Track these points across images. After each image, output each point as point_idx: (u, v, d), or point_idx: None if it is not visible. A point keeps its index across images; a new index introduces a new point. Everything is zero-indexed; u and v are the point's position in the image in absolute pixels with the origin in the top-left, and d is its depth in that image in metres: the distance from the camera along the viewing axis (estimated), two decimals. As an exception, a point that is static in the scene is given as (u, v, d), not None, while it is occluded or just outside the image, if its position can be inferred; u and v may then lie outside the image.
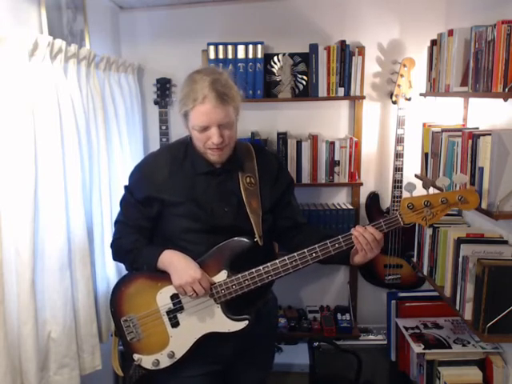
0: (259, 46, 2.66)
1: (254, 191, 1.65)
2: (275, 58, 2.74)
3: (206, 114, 1.49)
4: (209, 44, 2.66)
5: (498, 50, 1.71)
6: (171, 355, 1.60)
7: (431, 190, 1.56)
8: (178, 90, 2.69)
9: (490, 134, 1.73)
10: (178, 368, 1.63)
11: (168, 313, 1.62)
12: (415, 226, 2.39)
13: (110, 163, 2.18)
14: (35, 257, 1.59)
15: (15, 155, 1.51)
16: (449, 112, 2.55)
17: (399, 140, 2.67)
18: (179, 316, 1.62)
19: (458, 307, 1.94)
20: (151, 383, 1.81)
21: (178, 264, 1.57)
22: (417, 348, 2.18)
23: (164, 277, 1.59)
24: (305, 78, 2.74)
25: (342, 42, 2.67)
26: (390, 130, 2.85)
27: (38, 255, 1.65)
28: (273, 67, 2.74)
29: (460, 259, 1.91)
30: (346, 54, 2.66)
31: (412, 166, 2.62)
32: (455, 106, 2.46)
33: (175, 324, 1.62)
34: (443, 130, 2.14)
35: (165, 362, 1.62)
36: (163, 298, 1.62)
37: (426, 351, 2.17)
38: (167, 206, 1.61)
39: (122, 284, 1.67)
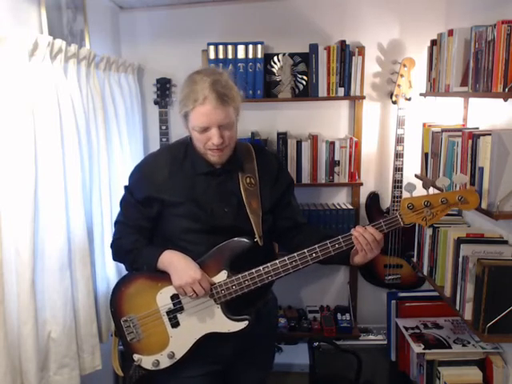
0: (259, 46, 2.66)
1: (254, 191, 1.65)
2: (275, 58, 2.74)
3: (207, 115, 1.49)
4: (209, 44, 2.66)
5: (498, 49, 1.71)
6: (171, 355, 1.60)
7: (431, 191, 1.56)
8: (177, 90, 2.69)
9: (490, 134, 1.73)
10: (177, 368, 1.63)
11: (168, 313, 1.62)
12: (415, 226, 2.39)
13: (110, 163, 2.18)
14: (35, 257, 1.59)
15: (15, 155, 1.51)
16: (449, 112, 2.55)
17: (399, 140, 2.67)
18: (179, 316, 1.62)
19: (458, 307, 1.94)
20: (151, 383, 1.81)
21: (177, 264, 1.57)
22: (417, 348, 2.18)
23: (164, 277, 1.59)
24: (305, 78, 2.74)
25: (342, 42, 2.67)
26: (390, 130, 2.85)
27: (38, 255, 1.65)
28: (273, 67, 2.74)
29: (460, 259, 1.91)
30: (346, 54, 2.66)
31: (412, 166, 2.62)
32: (455, 105, 2.46)
33: (175, 324, 1.62)
34: (443, 130, 2.14)
35: (165, 363, 1.62)
36: (163, 298, 1.62)
37: (426, 351, 2.17)
38: (167, 207, 1.61)
39: (122, 284, 1.67)
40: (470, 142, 1.85)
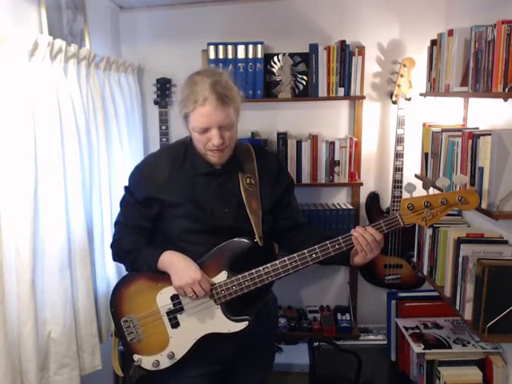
0: (259, 46, 2.66)
1: (254, 192, 1.65)
2: (275, 58, 2.74)
3: (207, 116, 1.48)
4: (209, 44, 2.66)
5: (498, 49, 1.71)
6: (171, 356, 1.60)
7: (431, 191, 1.56)
8: (177, 90, 2.69)
9: (490, 134, 1.73)
10: (177, 368, 1.63)
11: (168, 313, 1.61)
12: (415, 226, 2.39)
13: (110, 163, 2.18)
14: (35, 257, 1.59)
15: (15, 155, 1.51)
16: (449, 112, 2.55)
17: (399, 140, 2.67)
18: (179, 317, 1.61)
19: (458, 307, 1.94)
20: None
21: (178, 265, 1.57)
22: (417, 348, 2.18)
23: (164, 277, 1.59)
24: (305, 78, 2.74)
25: (342, 42, 2.67)
26: (390, 130, 2.85)
27: (38, 255, 1.65)
28: (273, 67, 2.74)
29: (460, 259, 1.91)
30: (346, 54, 2.66)
31: (412, 166, 2.62)
32: (455, 105, 2.46)
33: (175, 325, 1.62)
34: (443, 130, 2.14)
35: (165, 363, 1.62)
36: (163, 298, 1.62)
37: (426, 351, 2.17)
38: (167, 207, 1.61)
39: (122, 284, 1.67)
40: (470, 141, 1.85)
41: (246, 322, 1.58)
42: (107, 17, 2.67)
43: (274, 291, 1.83)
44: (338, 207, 2.84)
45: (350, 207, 2.84)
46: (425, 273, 2.27)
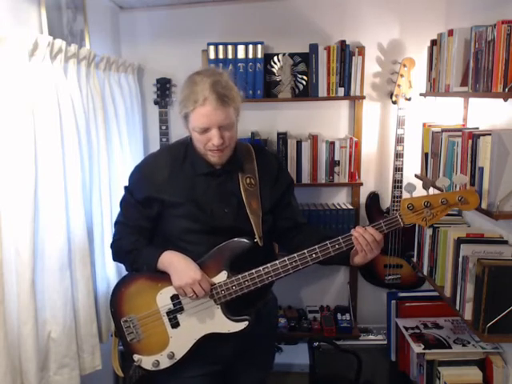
0: (259, 46, 2.66)
1: (254, 192, 1.65)
2: (275, 58, 2.74)
3: (207, 116, 1.48)
4: (209, 44, 2.66)
5: (498, 49, 1.71)
6: (171, 356, 1.60)
7: (431, 191, 1.56)
8: (177, 90, 2.69)
9: (490, 134, 1.73)
10: (177, 368, 1.62)
11: (168, 313, 1.61)
12: (415, 226, 2.39)
13: (110, 163, 2.18)
14: (35, 257, 1.59)
15: (15, 155, 1.51)
16: (449, 112, 2.55)
17: (399, 140, 2.67)
18: (179, 317, 1.61)
19: (458, 307, 1.94)
20: None
21: (177, 265, 1.57)
22: (417, 348, 2.18)
23: (164, 277, 1.59)
24: (305, 78, 2.74)
25: (342, 42, 2.67)
26: (390, 130, 2.85)
27: (38, 255, 1.65)
28: (273, 67, 2.74)
29: (460, 259, 1.91)
30: (346, 54, 2.66)
31: (412, 166, 2.62)
32: (455, 105, 2.46)
33: (175, 325, 1.62)
34: (443, 130, 2.14)
35: (165, 363, 1.62)
36: (163, 298, 1.62)
37: (426, 351, 2.17)
38: (167, 207, 1.61)
39: (122, 285, 1.67)
40: (470, 141, 1.85)
41: (246, 322, 1.58)
42: (107, 17, 2.67)
43: (274, 291, 1.83)
44: (338, 207, 2.84)
45: (350, 207, 2.84)
46: (425, 273, 2.27)
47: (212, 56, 2.66)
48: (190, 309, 1.60)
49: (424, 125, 2.43)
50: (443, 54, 2.22)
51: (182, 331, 1.61)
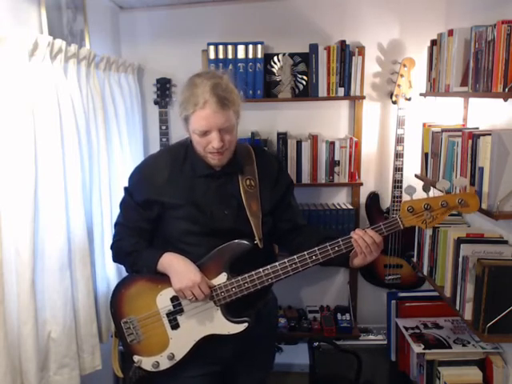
0: (259, 46, 2.66)
1: (254, 194, 1.65)
2: (275, 58, 2.73)
3: (207, 119, 1.48)
4: (209, 44, 2.66)
5: (498, 49, 1.70)
6: (171, 357, 1.60)
7: (431, 193, 1.56)
8: (177, 90, 2.69)
9: (490, 134, 1.73)
10: (177, 369, 1.62)
11: (168, 315, 1.61)
12: (415, 226, 2.39)
13: (110, 163, 2.18)
14: (35, 257, 1.59)
15: (15, 155, 1.51)
16: (449, 112, 2.55)
17: (399, 140, 2.67)
18: (179, 318, 1.61)
19: (458, 307, 1.94)
20: (151, 384, 1.81)
21: (177, 267, 1.56)
22: (417, 348, 2.18)
23: (164, 279, 1.59)
24: (305, 78, 2.74)
25: (342, 42, 2.67)
26: (390, 130, 2.84)
27: (38, 255, 1.65)
28: (273, 67, 2.74)
29: (460, 259, 1.91)
30: (346, 54, 2.66)
31: (412, 166, 2.62)
32: (455, 105, 2.46)
33: (175, 326, 1.61)
34: (443, 130, 2.14)
35: (164, 364, 1.62)
36: (163, 300, 1.61)
37: (426, 351, 2.17)
38: (167, 209, 1.61)
39: (122, 286, 1.67)
40: (470, 142, 1.85)
41: (246, 324, 1.58)
42: (107, 17, 2.67)
43: (274, 291, 1.83)
44: (338, 207, 2.84)
45: (350, 207, 2.84)
46: (425, 273, 2.27)
47: (212, 56, 2.66)
48: (190, 310, 1.60)
49: (424, 125, 2.43)
50: (443, 54, 2.22)
51: (181, 332, 1.61)
